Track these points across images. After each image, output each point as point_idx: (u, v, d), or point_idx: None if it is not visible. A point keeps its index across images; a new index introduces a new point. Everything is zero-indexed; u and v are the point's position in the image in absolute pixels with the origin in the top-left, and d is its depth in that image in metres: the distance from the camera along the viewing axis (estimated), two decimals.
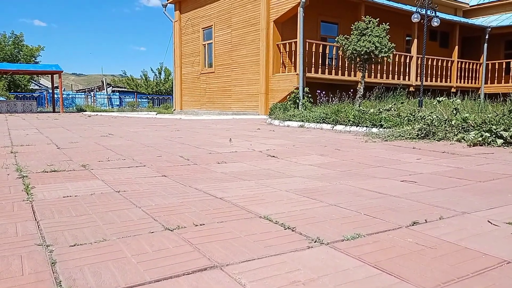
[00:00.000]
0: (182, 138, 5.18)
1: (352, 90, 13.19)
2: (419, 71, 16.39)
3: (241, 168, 3.07)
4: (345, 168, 3.12)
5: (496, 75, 18.42)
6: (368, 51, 7.00)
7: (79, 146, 4.31)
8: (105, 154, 3.75)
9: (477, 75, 18.70)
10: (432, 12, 8.70)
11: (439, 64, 17.08)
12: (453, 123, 4.90)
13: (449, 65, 17.67)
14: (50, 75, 22.80)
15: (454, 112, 5.26)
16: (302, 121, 7.13)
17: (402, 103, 6.93)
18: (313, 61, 13.53)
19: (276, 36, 13.96)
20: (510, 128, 4.29)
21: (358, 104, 7.46)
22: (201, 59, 17.85)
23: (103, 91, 37.76)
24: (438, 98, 5.76)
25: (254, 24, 14.45)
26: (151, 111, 21.56)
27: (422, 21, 8.78)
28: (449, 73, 17.70)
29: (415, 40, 16.13)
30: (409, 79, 16.18)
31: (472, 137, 4.42)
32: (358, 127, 6.00)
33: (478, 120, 4.70)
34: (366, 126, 5.87)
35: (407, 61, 16.12)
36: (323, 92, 13.69)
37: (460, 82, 18.11)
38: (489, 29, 18.04)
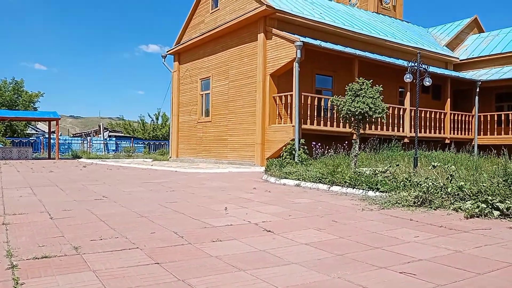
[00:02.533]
0: (177, 202, 5.13)
1: (346, 142, 13.33)
2: (412, 123, 16.67)
3: (236, 250, 3.01)
4: (343, 250, 3.06)
5: (488, 127, 18.74)
6: (362, 112, 7.14)
7: (72, 216, 4.24)
8: (98, 228, 3.69)
9: (470, 127, 19.02)
10: (424, 72, 8.97)
11: (432, 116, 17.41)
12: (449, 191, 4.91)
13: (442, 117, 18.01)
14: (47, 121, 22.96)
15: (450, 178, 5.29)
16: (299, 179, 7.13)
17: (397, 165, 6.95)
18: (308, 113, 13.75)
19: (272, 88, 14.28)
20: (506, 200, 4.30)
21: (354, 162, 7.50)
22: (199, 108, 18.12)
23: (99, 135, 37.92)
24: (433, 163, 5.80)
25: (251, 77, 14.82)
26: (147, 158, 21.54)
27: (414, 80, 9.03)
28: (442, 125, 18.01)
29: (408, 93, 16.54)
30: (403, 131, 16.42)
31: (469, 207, 4.40)
32: (355, 189, 6.00)
33: (474, 189, 4.71)
34: (363, 189, 5.87)
35: (401, 113, 16.44)
36: (319, 144, 13.81)
37: (454, 134, 18.38)
38: (480, 83, 18.58)
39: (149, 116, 38.83)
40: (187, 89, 18.98)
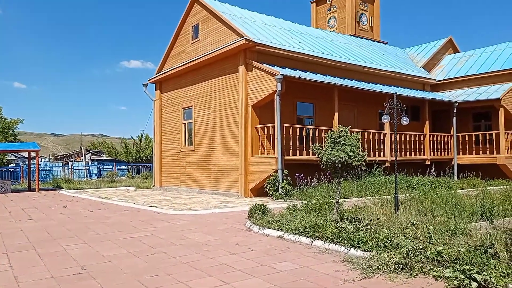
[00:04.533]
0: (157, 276, 5.07)
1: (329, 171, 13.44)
2: (393, 148, 16.95)
3: None
4: None
5: (467, 146, 19.19)
6: (342, 160, 7.21)
7: None
8: None
9: (449, 147, 19.44)
10: (401, 112, 9.14)
11: (412, 139, 17.74)
12: (428, 254, 4.98)
13: (422, 139, 18.37)
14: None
15: (428, 237, 5.37)
16: (282, 230, 7.15)
17: (378, 218, 7.03)
18: (291, 143, 13.86)
19: (254, 119, 14.36)
20: (483, 270, 4.38)
21: (336, 209, 7.55)
22: (181, 137, 18.07)
23: (81, 157, 37.32)
24: (412, 220, 5.88)
25: (233, 108, 14.89)
26: (130, 186, 21.28)
27: (392, 121, 9.20)
28: (422, 147, 18.36)
29: (391, 112, 16.81)
30: (384, 155, 16.67)
31: (448, 276, 4.47)
32: (337, 245, 6.05)
33: (452, 255, 4.80)
34: (345, 246, 5.92)
35: (381, 138, 16.69)
36: (302, 175, 13.91)
37: (434, 155, 18.74)
38: (457, 104, 19.05)
39: (132, 138, 38.47)
40: (169, 118, 18.92)
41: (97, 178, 29.42)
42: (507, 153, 17.84)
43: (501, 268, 4.37)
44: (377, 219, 6.91)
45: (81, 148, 40.94)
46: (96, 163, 33.57)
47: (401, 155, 17.15)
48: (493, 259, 4.60)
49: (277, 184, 13.17)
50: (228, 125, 15.19)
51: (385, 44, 25.20)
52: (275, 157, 13.28)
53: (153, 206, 11.95)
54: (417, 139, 17.99)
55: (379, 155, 16.52)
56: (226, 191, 15.02)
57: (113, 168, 30.18)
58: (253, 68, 14.15)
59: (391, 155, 16.62)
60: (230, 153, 15.01)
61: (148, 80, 19.59)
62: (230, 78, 15.07)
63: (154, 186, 19.61)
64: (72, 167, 30.37)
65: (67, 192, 19.62)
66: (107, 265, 5.61)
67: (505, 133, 17.90)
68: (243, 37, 13.98)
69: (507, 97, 17.88)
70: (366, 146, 15.88)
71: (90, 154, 40.27)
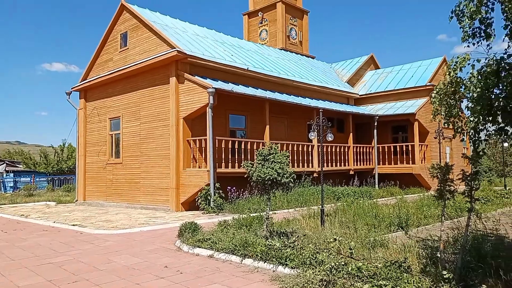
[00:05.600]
0: None
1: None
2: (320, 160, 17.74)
3: None
4: None
5: (386, 157, 20.62)
6: (271, 178, 7.39)
7: None
8: None
9: (371, 158, 20.75)
10: (327, 128, 9.62)
11: (338, 150, 18.67)
12: (349, 270, 5.27)
13: (346, 150, 19.41)
14: None
15: (350, 253, 5.69)
16: (212, 248, 7.12)
17: (304, 235, 7.30)
18: (223, 156, 13.89)
19: (186, 132, 14.19)
20: (396, 285, 4.74)
21: (266, 225, 7.70)
22: (108, 149, 17.28)
23: None
24: (335, 235, 6.20)
25: (164, 120, 14.59)
26: (50, 201, 19.81)
27: (318, 137, 9.64)
28: (347, 158, 19.38)
29: (317, 129, 17.57)
30: (312, 166, 17.35)
31: None
32: (266, 263, 6.17)
33: (371, 270, 5.13)
34: (273, 264, 6.06)
35: (310, 149, 17.36)
36: (234, 188, 13.99)
37: (357, 165, 19.87)
38: (377, 117, 20.42)
39: (53, 147, 35.91)
40: (95, 128, 18.01)
41: (13, 191, 27.01)
42: (421, 163, 19.49)
43: (413, 281, 4.76)
44: (304, 235, 7.16)
45: None
46: (11, 174, 30.82)
47: (327, 166, 17.98)
48: (406, 273, 4.99)
49: (209, 197, 13.10)
50: (158, 137, 14.84)
51: (313, 58, 26.36)
52: (207, 170, 13.22)
53: (76, 225, 11.25)
54: (342, 150, 18.99)
55: (308, 166, 17.17)
56: (156, 205, 14.61)
57: (32, 181, 27.92)
58: (185, 80, 14.01)
59: (319, 166, 17.34)
60: (161, 166, 14.65)
61: (72, 88, 18.49)
62: (161, 89, 14.76)
63: (77, 200, 18.46)
64: None
65: None
66: None
67: (419, 144, 19.55)
68: (175, 48, 13.80)
69: (421, 112, 19.57)
70: (295, 158, 16.44)
71: (5, 164, 36.86)
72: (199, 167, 14.13)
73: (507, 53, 3.78)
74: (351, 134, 19.86)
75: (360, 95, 22.74)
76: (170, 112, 14.22)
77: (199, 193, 13.27)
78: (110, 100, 17.19)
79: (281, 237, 7.34)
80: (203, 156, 14.13)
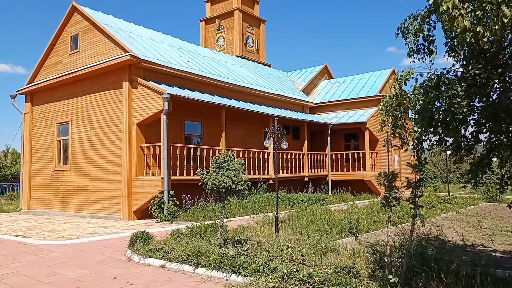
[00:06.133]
0: None
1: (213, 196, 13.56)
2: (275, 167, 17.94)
3: None
4: None
5: (339, 164, 21.22)
6: (225, 185, 7.36)
7: None
8: None
9: (325, 164, 21.26)
10: (281, 137, 9.75)
11: (293, 157, 18.96)
12: (301, 277, 5.35)
13: (301, 157, 19.76)
14: None
15: (302, 259, 5.78)
16: (164, 258, 6.96)
17: (258, 242, 7.33)
18: (178, 163, 13.67)
19: (139, 138, 13.84)
20: None
21: (220, 233, 7.64)
22: (56, 155, 16.49)
23: None
24: (288, 242, 6.27)
25: (116, 125, 14.15)
26: None
27: (274, 145, 9.76)
28: (302, 165, 19.73)
29: (272, 137, 17.76)
30: (268, 173, 17.49)
31: None
32: (219, 272, 6.12)
33: (321, 277, 5.24)
34: (227, 272, 6.02)
35: (266, 156, 17.50)
36: (189, 195, 13.80)
37: (311, 172, 20.29)
38: (331, 125, 20.99)
39: None
40: (41, 134, 17.11)
41: None
42: (372, 170, 20.23)
43: (361, 286, 4.91)
44: (258, 242, 7.18)
45: None
46: None
47: (283, 172, 18.20)
48: (355, 278, 5.14)
49: (162, 205, 12.82)
50: (110, 143, 14.34)
51: (270, 66, 26.71)
52: (161, 178, 12.94)
53: (19, 235, 10.60)
54: (297, 157, 19.32)
55: (264, 173, 17.30)
56: (107, 214, 14.08)
57: None
58: (139, 85, 13.69)
59: (275, 173, 17.51)
60: (112, 174, 14.16)
61: (17, 91, 17.49)
62: (114, 94, 14.31)
63: (21, 209, 17.41)
64: None
65: None
66: None
67: (370, 152, 20.30)
68: (128, 52, 13.46)
69: (371, 121, 20.35)
70: (251, 165, 16.50)
71: None
72: (153, 174, 13.81)
73: (446, 69, 4.04)
74: (306, 141, 20.26)
75: (314, 104, 23.29)
76: (123, 118, 13.82)
77: (153, 201, 12.95)
78: (58, 104, 16.43)
79: (236, 245, 7.32)
80: (157, 163, 13.83)
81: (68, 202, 15.69)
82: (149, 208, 13.00)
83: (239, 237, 8.21)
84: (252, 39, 26.77)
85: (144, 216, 13.56)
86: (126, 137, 13.70)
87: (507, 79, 3.68)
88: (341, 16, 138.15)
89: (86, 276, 6.41)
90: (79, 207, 15.22)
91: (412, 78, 4.26)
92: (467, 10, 2.73)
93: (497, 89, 3.81)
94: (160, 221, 12.51)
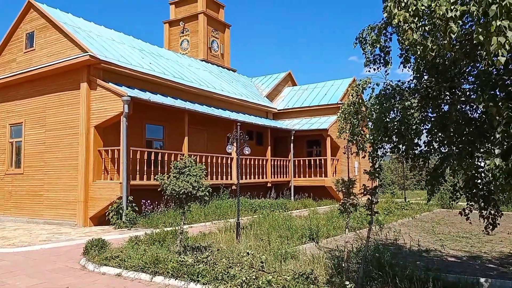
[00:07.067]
0: None
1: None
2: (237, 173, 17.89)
3: None
4: None
5: (301, 170, 21.47)
6: (186, 191, 7.24)
7: None
8: None
9: (287, 170, 21.44)
10: (243, 143, 9.74)
11: (256, 163, 18.99)
12: (260, 284, 5.32)
13: (264, 163, 19.84)
14: None
15: (261, 266, 5.76)
16: (120, 267, 6.72)
17: (218, 249, 7.24)
18: (137, 168, 13.32)
19: (97, 141, 13.40)
20: None
21: (179, 240, 7.49)
22: (7, 157, 15.66)
23: None
24: (248, 249, 6.24)
25: (73, 128, 13.63)
26: None
27: (236, 150, 9.72)
28: (265, 170, 19.81)
29: (235, 143, 17.71)
30: (231, 179, 17.40)
31: None
32: (177, 280, 5.98)
33: (280, 283, 5.24)
34: (185, 280, 5.90)
35: (229, 162, 17.42)
36: (149, 201, 13.47)
37: (274, 178, 20.40)
38: (294, 132, 21.21)
39: None
40: None
41: None
42: (333, 176, 20.60)
43: None
44: (218, 249, 7.10)
45: None
46: None
47: (246, 178, 18.17)
48: (313, 284, 5.17)
49: (121, 211, 12.43)
50: (66, 146, 13.77)
51: (234, 71, 26.71)
52: (120, 183, 12.56)
53: None
54: (260, 163, 19.37)
55: (227, 179, 17.19)
56: (62, 220, 13.48)
57: None
58: (98, 87, 13.25)
59: (237, 178, 17.45)
60: (68, 178, 13.59)
61: None
62: (71, 95, 13.78)
63: None
64: None
65: None
66: None
67: (331, 159, 20.68)
68: (87, 52, 13.01)
69: (333, 128, 20.74)
70: (214, 170, 16.36)
71: None
72: (111, 179, 13.39)
73: (401, 81, 4.17)
74: (269, 147, 20.35)
75: (278, 110, 23.49)
76: (80, 120, 13.33)
77: (110, 206, 12.54)
78: (11, 104, 15.62)
79: (196, 252, 7.20)
80: (116, 168, 13.41)
81: (21, 207, 14.91)
82: (107, 214, 12.57)
83: (200, 244, 8.09)
84: (217, 43, 26.70)
85: (102, 222, 13.10)
86: (83, 140, 13.21)
87: (457, 91, 3.86)
88: (305, 25, 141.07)
89: (37, 285, 6.09)
90: (32, 212, 14.48)
91: (369, 87, 4.37)
92: (418, 25, 2.84)
93: (448, 101, 3.97)
94: (118, 228, 12.13)
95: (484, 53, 2.58)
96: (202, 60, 24.19)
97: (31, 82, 14.96)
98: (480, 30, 2.53)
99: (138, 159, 13.29)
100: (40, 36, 14.73)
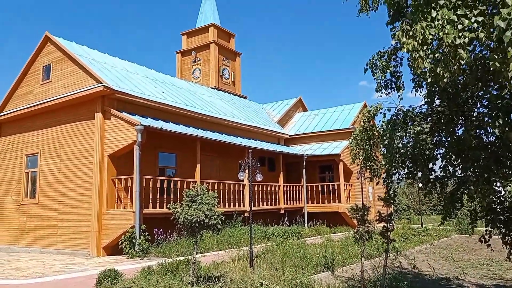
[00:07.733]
0: None
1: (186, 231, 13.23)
2: (251, 200, 17.77)
3: None
4: None
5: (314, 196, 21.23)
6: (198, 220, 7.19)
7: None
8: None
9: (300, 196, 21.23)
10: (255, 169, 9.72)
11: (269, 189, 18.86)
12: None
13: (277, 189, 19.70)
14: None
15: None
16: None
17: (231, 280, 7.12)
18: (150, 196, 13.34)
19: (111, 170, 13.50)
20: None
21: (192, 270, 7.40)
22: (23, 188, 15.86)
23: None
24: (262, 279, 6.12)
25: (87, 157, 13.79)
26: None
27: (248, 177, 9.69)
28: (277, 197, 19.64)
29: (247, 170, 17.69)
30: (243, 206, 17.28)
31: None
32: None
33: None
34: None
35: (241, 189, 17.35)
36: (161, 229, 13.40)
37: (287, 204, 20.20)
38: (306, 157, 21.12)
39: None
40: (9, 165, 16.48)
41: None
42: (347, 202, 20.31)
43: None
44: (231, 280, 6.97)
45: None
46: None
47: (259, 205, 18.02)
48: None
49: (134, 240, 12.37)
50: (80, 175, 13.92)
51: (245, 98, 26.99)
52: (133, 211, 12.55)
53: None
54: (273, 189, 19.23)
55: (239, 206, 17.07)
56: (75, 250, 13.47)
57: None
58: (112, 116, 13.49)
59: (250, 206, 17.31)
60: (82, 207, 13.66)
61: None
62: (85, 125, 14.03)
63: None
64: None
65: None
66: None
67: (344, 184, 20.45)
68: (102, 83, 13.32)
69: (345, 153, 20.61)
70: (226, 197, 16.29)
71: None
72: (124, 208, 13.40)
73: (412, 106, 4.15)
74: (281, 173, 20.26)
75: (289, 136, 23.51)
76: (95, 149, 13.51)
77: (123, 236, 12.50)
78: (28, 135, 15.96)
79: (208, 282, 7.08)
80: (129, 196, 13.45)
81: (35, 237, 14.96)
82: (120, 243, 12.51)
83: (212, 273, 7.96)
84: (228, 71, 27.14)
85: (115, 251, 13.03)
86: (97, 169, 13.34)
87: (469, 117, 3.82)
88: (315, 51, 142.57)
89: None
90: (46, 242, 14.51)
91: (380, 113, 4.35)
92: (427, 52, 2.85)
93: (461, 125, 3.93)
94: (131, 257, 12.03)
95: (501, 79, 2.55)
96: (214, 88, 24.56)
97: (47, 113, 15.31)
98: (496, 57, 2.52)
99: (151, 187, 13.33)
100: (57, 68, 15.18)
